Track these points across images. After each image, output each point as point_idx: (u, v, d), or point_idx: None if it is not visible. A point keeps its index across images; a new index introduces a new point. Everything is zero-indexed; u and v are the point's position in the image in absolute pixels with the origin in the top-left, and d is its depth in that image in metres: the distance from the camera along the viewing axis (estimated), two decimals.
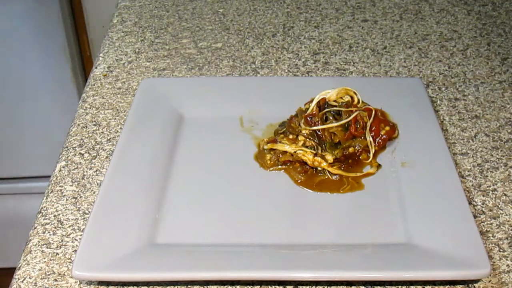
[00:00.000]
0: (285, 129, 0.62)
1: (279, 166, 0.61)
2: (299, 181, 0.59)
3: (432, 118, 0.64)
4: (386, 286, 0.50)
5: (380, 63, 0.80)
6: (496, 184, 0.60)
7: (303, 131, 0.60)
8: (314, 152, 0.59)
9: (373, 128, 0.62)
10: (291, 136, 0.61)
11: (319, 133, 0.60)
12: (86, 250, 0.50)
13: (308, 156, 0.59)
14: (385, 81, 0.73)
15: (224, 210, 0.56)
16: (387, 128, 0.62)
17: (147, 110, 0.66)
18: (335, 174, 0.59)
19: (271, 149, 0.61)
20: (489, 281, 0.50)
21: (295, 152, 0.59)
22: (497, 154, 0.64)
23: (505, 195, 0.59)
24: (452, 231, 0.51)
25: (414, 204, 0.55)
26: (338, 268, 0.49)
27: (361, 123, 0.61)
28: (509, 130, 0.67)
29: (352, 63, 0.80)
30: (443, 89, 0.75)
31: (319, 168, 0.59)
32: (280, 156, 0.60)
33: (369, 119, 0.62)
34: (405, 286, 0.50)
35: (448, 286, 0.50)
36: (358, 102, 0.63)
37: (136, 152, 0.60)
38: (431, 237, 0.51)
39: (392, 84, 0.71)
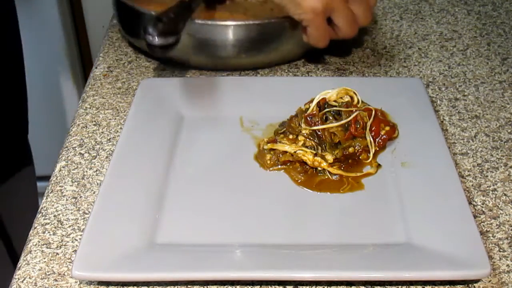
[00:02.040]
0: (285, 129, 0.62)
1: (279, 166, 0.61)
2: (299, 181, 0.59)
3: (432, 118, 0.64)
4: (386, 286, 0.50)
5: (380, 63, 0.80)
6: (496, 184, 0.60)
7: (303, 131, 0.60)
8: (314, 152, 0.59)
9: (373, 128, 0.61)
10: (291, 136, 0.61)
11: (319, 133, 0.60)
12: (86, 250, 0.50)
13: (308, 156, 0.59)
14: (385, 81, 0.73)
15: (224, 210, 0.56)
16: (387, 128, 0.62)
17: (147, 110, 0.66)
18: (335, 174, 0.59)
19: (271, 149, 0.61)
20: (489, 281, 0.50)
21: (295, 152, 0.59)
22: (497, 154, 0.64)
23: (505, 195, 0.59)
24: (452, 231, 0.51)
25: (414, 204, 0.55)
26: (338, 268, 0.49)
27: (361, 123, 0.61)
28: (509, 130, 0.67)
29: (352, 63, 0.80)
30: (443, 89, 0.75)
31: (319, 168, 0.59)
32: (280, 156, 0.60)
33: (369, 119, 0.62)
34: (405, 286, 0.50)
35: (448, 286, 0.50)
36: (358, 102, 0.63)
37: (136, 152, 0.60)
38: (431, 237, 0.51)
39: (392, 84, 0.71)
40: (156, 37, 0.61)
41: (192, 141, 0.64)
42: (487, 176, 0.61)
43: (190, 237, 0.53)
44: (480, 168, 0.62)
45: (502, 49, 0.83)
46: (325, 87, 0.63)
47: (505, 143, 0.65)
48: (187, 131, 0.65)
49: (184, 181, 0.59)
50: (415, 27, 0.89)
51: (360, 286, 0.50)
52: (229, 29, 0.73)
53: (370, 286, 0.50)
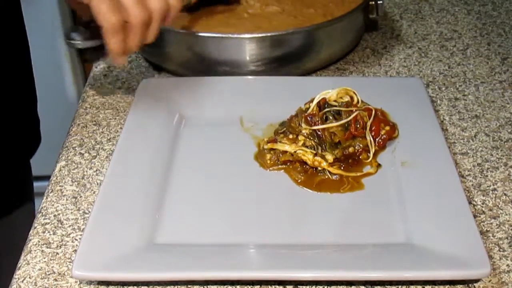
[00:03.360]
0: (285, 129, 0.62)
1: (279, 166, 0.61)
2: (299, 181, 0.59)
3: (432, 118, 0.64)
4: (386, 286, 0.50)
5: (380, 63, 0.80)
6: (496, 184, 0.60)
7: (303, 131, 0.60)
8: (314, 152, 0.59)
9: (373, 128, 0.61)
10: (291, 136, 0.61)
11: (319, 133, 0.60)
12: (86, 250, 0.50)
13: (308, 156, 0.59)
14: (385, 81, 0.73)
15: (224, 210, 0.56)
16: (387, 128, 0.62)
17: (147, 110, 0.66)
18: (335, 174, 0.59)
19: (271, 149, 0.61)
20: (489, 281, 0.50)
21: (295, 152, 0.59)
22: (497, 154, 0.64)
23: (505, 195, 0.59)
24: (452, 231, 0.51)
25: (414, 204, 0.55)
26: (338, 268, 0.49)
27: (361, 123, 0.61)
28: (509, 130, 0.67)
29: (352, 63, 0.80)
30: (443, 89, 0.75)
31: (319, 168, 0.59)
32: (280, 156, 0.60)
33: (369, 119, 0.62)
34: (405, 286, 0.50)
35: (448, 286, 0.50)
36: (358, 102, 0.63)
37: (136, 152, 0.60)
38: (431, 237, 0.51)
39: (392, 84, 0.71)
40: (79, 41, 0.62)
41: (192, 141, 0.64)
42: (487, 176, 0.61)
43: (190, 237, 0.53)
44: (480, 168, 0.62)
45: (502, 49, 0.83)
46: (325, 87, 0.63)
47: (505, 143, 0.65)
48: (187, 131, 0.65)
49: (184, 181, 0.59)
50: (415, 27, 0.89)
51: (360, 286, 0.50)
52: (256, 41, 0.72)
53: (370, 286, 0.50)
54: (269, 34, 0.72)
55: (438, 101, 0.72)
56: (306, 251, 0.51)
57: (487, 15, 0.92)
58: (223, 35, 0.71)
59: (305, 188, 0.58)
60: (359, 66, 0.79)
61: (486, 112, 0.70)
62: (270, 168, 0.60)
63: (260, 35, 0.72)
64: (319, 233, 0.53)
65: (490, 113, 0.70)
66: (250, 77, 0.73)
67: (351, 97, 0.63)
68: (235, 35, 0.71)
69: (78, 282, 0.50)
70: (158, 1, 0.58)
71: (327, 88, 0.63)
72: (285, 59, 0.74)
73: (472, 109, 0.71)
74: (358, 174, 0.59)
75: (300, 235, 0.53)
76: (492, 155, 0.64)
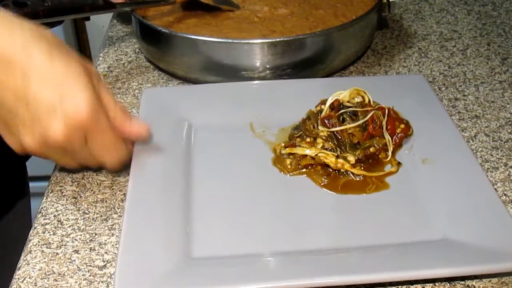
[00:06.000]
0: (301, 132, 0.61)
1: (300, 170, 0.59)
2: (322, 184, 0.58)
3: (443, 113, 0.63)
4: (411, 285, 0.50)
5: (380, 63, 0.80)
6: (496, 184, 0.60)
7: (321, 134, 0.59)
8: (336, 154, 0.58)
9: (389, 127, 0.61)
10: (308, 139, 0.60)
11: (338, 134, 0.59)
12: (124, 273, 0.47)
13: (330, 159, 0.58)
14: (388, 80, 0.72)
15: (253, 219, 0.54)
16: (402, 126, 0.61)
17: (153, 122, 0.62)
18: (358, 175, 0.58)
19: (290, 154, 0.60)
20: (489, 281, 0.50)
21: (316, 155, 0.58)
22: (497, 154, 0.64)
23: (505, 195, 0.59)
24: (487, 224, 0.51)
25: (444, 199, 0.54)
26: (388, 269, 0.48)
27: (378, 122, 0.60)
28: (509, 130, 0.67)
29: (352, 63, 0.80)
30: (443, 89, 0.75)
31: (341, 170, 0.58)
32: (299, 160, 0.59)
33: (384, 118, 0.61)
34: (445, 282, 0.50)
35: (448, 284, 0.50)
36: (370, 101, 0.62)
37: (152, 167, 0.58)
38: (468, 232, 0.51)
39: (396, 82, 0.70)
40: None
41: (206, 150, 0.62)
42: (487, 176, 0.61)
43: (223, 249, 0.51)
44: None
45: (502, 49, 0.83)
46: (326, 88, 0.63)
47: (505, 143, 0.65)
48: (199, 141, 0.63)
49: (207, 192, 0.57)
50: (415, 27, 0.89)
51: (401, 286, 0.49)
52: (271, 45, 0.70)
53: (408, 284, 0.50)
54: (300, 37, 0.70)
55: None
56: (350, 254, 0.50)
57: (487, 15, 0.92)
58: (249, 41, 0.69)
59: (330, 191, 0.57)
60: (359, 66, 0.79)
61: (486, 112, 0.70)
62: (291, 173, 0.59)
63: (289, 38, 0.70)
64: (356, 235, 0.52)
65: (490, 113, 0.70)
66: (252, 82, 0.71)
67: (363, 97, 0.62)
68: (263, 40, 0.69)
69: (78, 283, 0.50)
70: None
71: (331, 90, 0.62)
72: (308, 61, 0.72)
73: (472, 109, 0.71)
74: (381, 173, 0.58)
75: (340, 239, 0.52)
76: (492, 155, 0.64)
